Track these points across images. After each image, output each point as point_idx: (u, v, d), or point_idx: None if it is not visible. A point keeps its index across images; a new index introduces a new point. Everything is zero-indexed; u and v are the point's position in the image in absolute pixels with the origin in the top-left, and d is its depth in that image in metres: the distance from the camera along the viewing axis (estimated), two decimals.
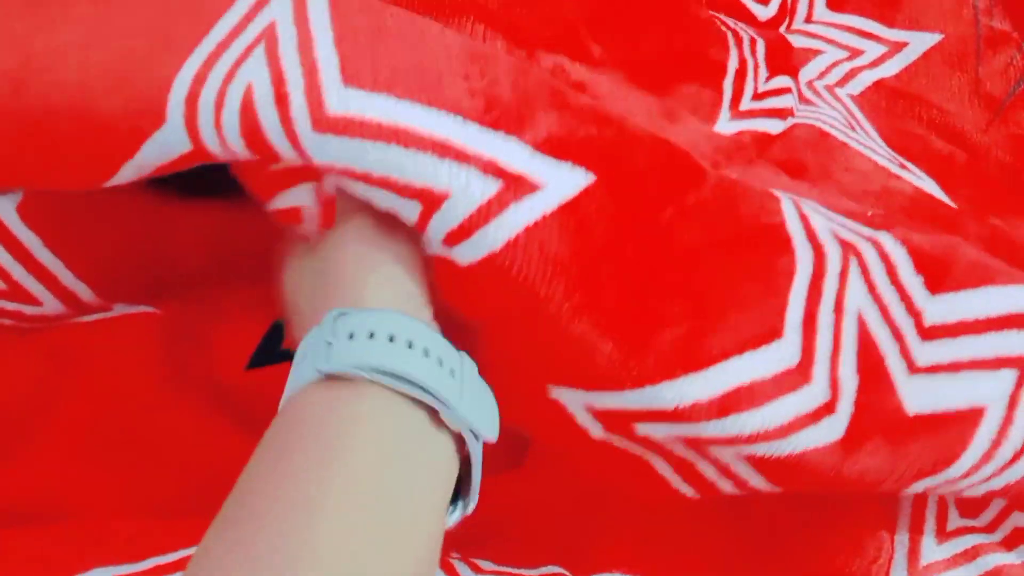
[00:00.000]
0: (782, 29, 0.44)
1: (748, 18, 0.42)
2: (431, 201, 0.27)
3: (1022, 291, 0.31)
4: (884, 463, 0.29)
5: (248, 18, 0.28)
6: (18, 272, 0.34)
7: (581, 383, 0.28)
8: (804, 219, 0.31)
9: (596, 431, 0.30)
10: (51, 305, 0.36)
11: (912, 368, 0.30)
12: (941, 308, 0.30)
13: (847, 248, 0.31)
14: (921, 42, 0.44)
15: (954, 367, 0.30)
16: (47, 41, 0.28)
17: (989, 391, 0.29)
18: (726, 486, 0.31)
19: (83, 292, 0.36)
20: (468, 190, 0.27)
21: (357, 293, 0.27)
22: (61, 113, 0.28)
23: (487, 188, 0.27)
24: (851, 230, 0.32)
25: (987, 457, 0.30)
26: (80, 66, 0.28)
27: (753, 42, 0.39)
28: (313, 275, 0.29)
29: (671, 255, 0.29)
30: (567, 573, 0.34)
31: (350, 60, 0.27)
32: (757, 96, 0.37)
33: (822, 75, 0.43)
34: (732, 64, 0.37)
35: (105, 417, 0.36)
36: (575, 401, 0.29)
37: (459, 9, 0.31)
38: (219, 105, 0.27)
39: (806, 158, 0.35)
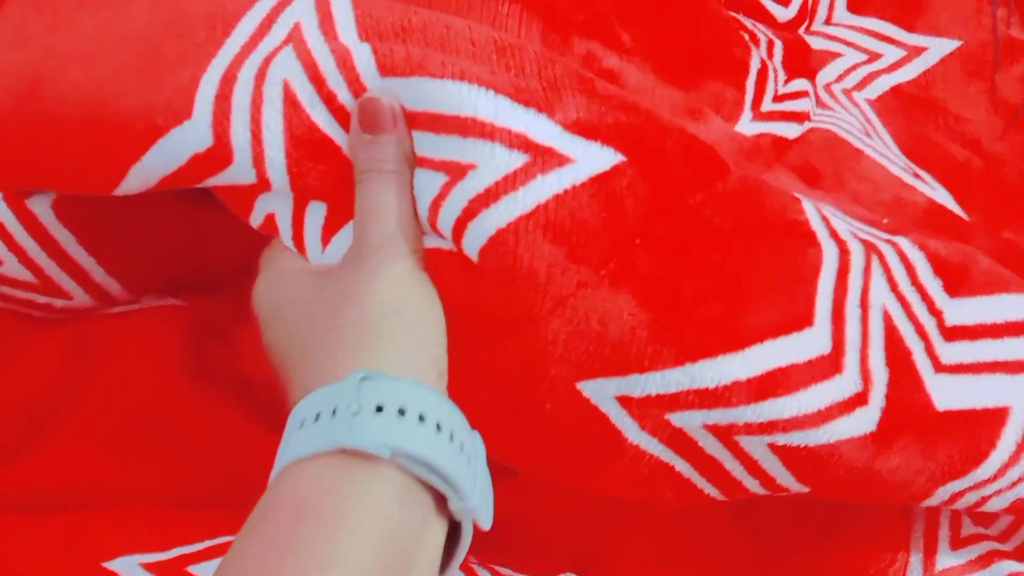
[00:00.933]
0: (801, 31, 0.44)
1: (767, 19, 0.42)
2: (456, 172, 0.27)
3: None
4: (914, 461, 0.29)
5: (271, 19, 0.29)
6: (51, 268, 0.35)
7: (616, 367, 0.27)
8: (825, 220, 0.31)
9: (631, 431, 0.29)
10: (81, 299, 0.37)
11: (937, 366, 0.30)
12: (961, 310, 0.30)
13: (868, 247, 0.31)
14: (939, 47, 0.44)
15: (976, 368, 0.30)
16: (62, 41, 0.29)
17: (1012, 392, 0.30)
18: (753, 485, 0.30)
19: (113, 287, 0.37)
20: (493, 161, 0.27)
21: (384, 351, 0.25)
22: (74, 111, 0.28)
23: (513, 160, 0.27)
24: (869, 233, 0.32)
25: (1014, 459, 0.30)
26: (94, 65, 0.28)
27: (771, 44, 0.39)
28: (325, 307, 0.27)
29: (703, 235, 0.28)
30: None
31: (382, 53, 0.28)
32: (777, 98, 0.37)
33: (840, 78, 0.43)
34: (754, 64, 0.37)
35: (131, 407, 0.37)
36: (606, 394, 0.28)
37: None
38: (256, 104, 0.28)
39: (821, 165, 0.36)
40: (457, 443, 0.24)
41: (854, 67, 0.43)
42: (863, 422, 0.28)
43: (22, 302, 0.36)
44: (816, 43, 0.43)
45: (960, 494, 0.31)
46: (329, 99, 0.28)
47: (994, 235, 0.36)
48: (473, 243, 0.27)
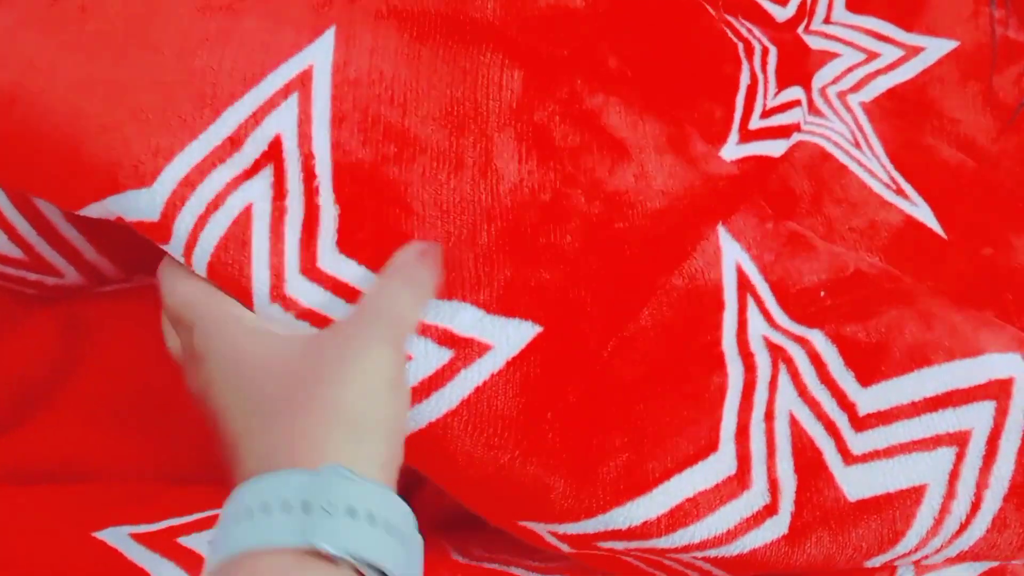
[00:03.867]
0: (800, 30, 0.44)
1: (765, 20, 0.42)
2: None
3: (958, 366, 0.32)
4: (829, 550, 0.31)
5: (256, 118, 0.29)
6: (42, 246, 0.36)
7: (541, 518, 0.30)
8: (742, 328, 0.32)
9: (565, 549, 0.32)
10: (72, 277, 0.37)
11: (848, 459, 0.31)
12: (875, 397, 0.32)
13: (777, 354, 0.32)
14: (937, 48, 0.44)
15: (890, 452, 0.31)
16: (48, 61, 0.29)
17: (928, 470, 0.31)
18: (694, 574, 0.33)
19: (104, 266, 0.38)
20: (426, 356, 0.29)
21: (360, 448, 0.25)
22: (47, 135, 0.28)
23: (441, 355, 0.29)
24: (785, 332, 0.33)
25: (933, 532, 0.31)
26: (77, 98, 0.28)
27: (765, 53, 0.39)
28: (303, 378, 0.26)
29: (610, 392, 0.30)
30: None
31: (347, 226, 0.29)
32: (765, 113, 0.37)
33: (836, 80, 0.43)
34: (744, 79, 0.37)
35: (122, 384, 0.38)
36: (541, 529, 0.31)
37: (479, 38, 0.32)
38: (212, 206, 0.28)
39: (801, 187, 0.36)
40: (414, 548, 0.25)
41: (851, 68, 0.43)
42: (773, 530, 0.30)
43: (13, 279, 0.37)
44: (815, 43, 0.43)
45: (890, 561, 0.32)
46: (276, 252, 0.29)
47: (973, 253, 0.37)
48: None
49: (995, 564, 0.35)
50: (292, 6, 0.31)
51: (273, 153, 0.29)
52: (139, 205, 0.28)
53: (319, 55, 0.30)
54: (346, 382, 0.25)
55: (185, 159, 0.28)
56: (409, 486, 0.39)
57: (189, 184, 0.28)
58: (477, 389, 0.29)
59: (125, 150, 0.28)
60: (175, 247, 0.29)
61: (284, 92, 0.29)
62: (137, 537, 0.34)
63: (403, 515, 0.25)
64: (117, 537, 0.33)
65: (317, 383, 0.26)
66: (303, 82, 0.30)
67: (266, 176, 0.29)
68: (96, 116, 0.28)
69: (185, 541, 0.34)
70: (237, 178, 0.29)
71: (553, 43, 0.33)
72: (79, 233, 0.36)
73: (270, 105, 0.29)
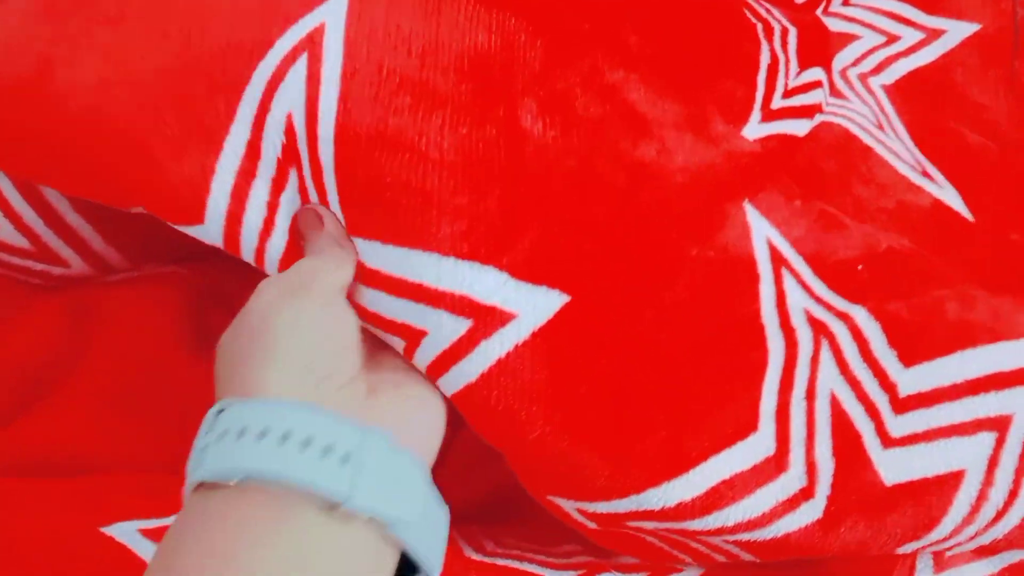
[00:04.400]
0: (819, 11, 0.43)
1: (784, 1, 0.41)
2: (412, 338, 0.28)
3: (1001, 348, 0.31)
4: (863, 535, 0.30)
5: (264, 106, 0.28)
6: (49, 236, 0.35)
7: (572, 495, 0.29)
8: (780, 300, 0.31)
9: (591, 526, 0.31)
10: (79, 267, 0.37)
11: (887, 441, 0.30)
12: (917, 378, 0.31)
13: (819, 330, 0.31)
14: (958, 31, 0.43)
15: (929, 435, 0.30)
16: (65, 53, 0.28)
17: (967, 455, 0.30)
18: (719, 558, 0.32)
19: (112, 256, 0.37)
20: (441, 329, 0.28)
21: (253, 378, 0.25)
22: (75, 137, 0.28)
23: (458, 327, 0.28)
24: (826, 306, 0.32)
25: (968, 519, 0.30)
26: (98, 97, 0.28)
27: (784, 33, 0.38)
28: (235, 340, 0.27)
29: (646, 364, 0.29)
30: (587, 555, 0.35)
31: (349, 215, 0.29)
32: (788, 93, 0.36)
33: (857, 62, 0.42)
34: (764, 59, 0.36)
35: (130, 373, 0.37)
36: (569, 506, 0.30)
37: (501, 4, 0.31)
38: (266, 230, 0.29)
39: (828, 167, 0.35)
40: (316, 448, 0.23)
41: (872, 50, 0.42)
42: (809, 514, 0.30)
43: (18, 269, 0.36)
44: (834, 25, 0.42)
45: (921, 548, 0.31)
46: None
47: (1000, 237, 0.36)
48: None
49: (1016, 560, 0.34)
50: None
51: (289, 150, 0.29)
52: (201, 234, 0.29)
53: (331, 12, 0.29)
54: (234, 324, 0.27)
55: (222, 185, 0.28)
56: None
57: (235, 218, 0.28)
58: (499, 361, 0.28)
59: (161, 179, 0.28)
60: (248, 259, 0.29)
61: (291, 57, 0.28)
62: (147, 533, 0.33)
63: (292, 418, 0.23)
64: (126, 533, 0.33)
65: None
66: (313, 39, 0.29)
67: (293, 182, 0.29)
68: (118, 119, 0.28)
69: None
70: (273, 191, 0.29)
71: (574, 16, 0.32)
72: (86, 222, 0.36)
73: (277, 78, 0.28)
